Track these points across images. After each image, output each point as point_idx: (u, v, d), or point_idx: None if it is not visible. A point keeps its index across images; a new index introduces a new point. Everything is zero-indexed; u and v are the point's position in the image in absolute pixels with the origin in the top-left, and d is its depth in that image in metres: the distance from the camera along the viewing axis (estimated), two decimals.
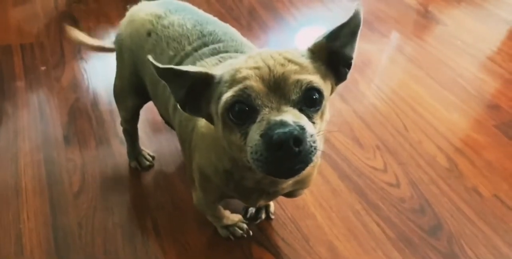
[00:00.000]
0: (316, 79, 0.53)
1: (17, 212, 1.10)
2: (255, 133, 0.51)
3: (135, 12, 0.92)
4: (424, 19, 1.94)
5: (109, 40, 1.10)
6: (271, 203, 1.11)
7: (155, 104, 0.98)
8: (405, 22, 1.91)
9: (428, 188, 1.20)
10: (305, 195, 1.14)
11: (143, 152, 1.23)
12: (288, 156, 0.49)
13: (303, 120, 0.51)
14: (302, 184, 0.80)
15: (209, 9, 1.80)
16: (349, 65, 0.60)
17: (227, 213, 1.01)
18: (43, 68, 1.58)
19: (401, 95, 1.50)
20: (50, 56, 1.64)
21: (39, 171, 1.20)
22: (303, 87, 0.52)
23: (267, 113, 0.51)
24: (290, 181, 0.72)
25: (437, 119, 1.42)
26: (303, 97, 0.52)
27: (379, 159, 1.28)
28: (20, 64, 1.59)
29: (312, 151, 0.50)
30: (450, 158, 1.29)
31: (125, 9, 0.97)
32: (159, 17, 0.86)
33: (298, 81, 0.52)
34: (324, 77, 0.56)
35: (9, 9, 1.91)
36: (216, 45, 0.80)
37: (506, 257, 1.04)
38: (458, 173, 1.24)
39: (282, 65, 0.52)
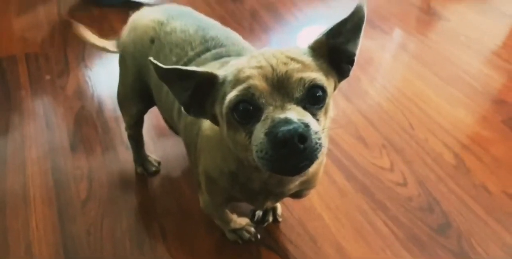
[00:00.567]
0: (319, 77, 0.54)
1: (26, 220, 1.11)
2: (259, 132, 0.51)
3: (137, 18, 0.93)
4: (426, 15, 1.93)
5: (112, 43, 1.10)
6: (278, 206, 1.11)
7: (159, 109, 0.98)
8: (407, 18, 1.90)
9: (436, 186, 1.19)
10: (312, 196, 1.14)
11: (149, 158, 1.23)
12: (293, 153, 0.49)
13: (308, 118, 0.52)
14: (308, 184, 0.80)
15: (211, 12, 1.81)
16: (352, 62, 0.60)
17: (234, 216, 1.01)
18: (48, 77, 1.59)
19: (405, 93, 1.49)
20: (55, 65, 1.65)
21: (46, 179, 1.21)
22: (307, 85, 0.52)
23: (271, 111, 0.51)
24: (297, 182, 0.72)
25: (443, 116, 1.41)
26: (307, 95, 0.53)
27: (385, 158, 1.27)
28: (25, 74, 1.60)
29: (317, 148, 0.51)
30: (457, 155, 1.28)
31: (128, 16, 0.98)
32: (161, 23, 0.87)
33: (301, 79, 0.52)
34: (327, 74, 0.56)
35: (13, 19, 1.93)
36: (218, 50, 0.80)
37: None
38: (465, 170, 1.23)
39: (285, 63, 0.53)
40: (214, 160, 0.73)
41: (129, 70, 0.95)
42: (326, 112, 0.56)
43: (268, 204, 0.82)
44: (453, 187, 1.18)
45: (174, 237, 1.07)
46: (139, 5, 1.01)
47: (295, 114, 0.50)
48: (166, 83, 0.58)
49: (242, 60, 0.57)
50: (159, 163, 1.24)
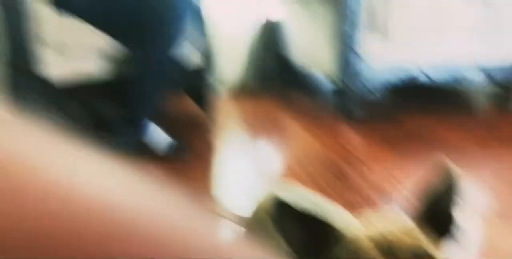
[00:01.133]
0: (430, 246, 0.52)
1: None
2: None
3: (262, 205, 0.84)
4: None
5: None
6: None
7: None
8: None
9: None
10: None
11: None
12: None
13: None
14: None
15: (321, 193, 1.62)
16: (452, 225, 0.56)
17: None
18: None
19: None
20: None
21: None
22: (419, 255, 0.51)
23: None
24: None
25: None
26: None
27: None
28: None
29: None
30: None
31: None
32: None
33: (414, 249, 0.51)
34: (435, 240, 0.54)
35: None
36: None
37: None
38: None
39: (397, 234, 0.52)
40: None
41: None
42: None
43: None
44: None
45: None
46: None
47: None
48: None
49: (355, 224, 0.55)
50: None
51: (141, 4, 1.37)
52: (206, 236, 0.18)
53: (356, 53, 1.78)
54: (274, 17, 2.55)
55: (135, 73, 1.39)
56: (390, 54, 1.83)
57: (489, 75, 1.89)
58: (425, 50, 1.85)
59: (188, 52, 1.71)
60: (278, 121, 1.97)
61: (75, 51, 1.31)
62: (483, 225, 1.01)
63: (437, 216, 0.55)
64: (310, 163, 1.47)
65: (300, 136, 1.75)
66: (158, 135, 1.46)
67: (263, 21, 2.53)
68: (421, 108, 2.01)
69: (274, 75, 2.55)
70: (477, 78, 1.91)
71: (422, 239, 0.53)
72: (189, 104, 2.11)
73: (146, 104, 1.42)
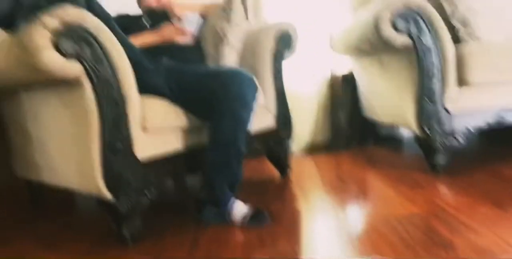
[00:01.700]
0: None
1: None
2: None
3: None
4: None
5: None
6: None
7: None
8: None
9: None
10: None
11: None
12: None
13: None
14: None
15: None
16: None
17: None
18: None
19: None
20: None
21: None
22: None
23: None
24: None
25: None
26: None
27: None
28: None
29: None
30: None
31: None
32: None
33: None
34: None
35: None
36: None
37: None
38: None
39: None
40: None
41: None
42: None
43: None
44: None
45: None
46: None
47: None
48: None
49: None
50: None
51: (214, 79, 1.43)
52: None
53: (435, 103, 1.70)
54: (342, 71, 2.56)
55: (211, 144, 1.42)
56: (471, 100, 1.73)
57: None
58: (507, 90, 1.75)
59: (262, 114, 1.74)
60: (360, 178, 1.88)
61: (160, 132, 1.37)
62: None
63: None
64: (401, 224, 1.35)
65: (385, 194, 1.64)
66: (241, 208, 1.45)
67: (332, 75, 2.54)
68: None
69: (351, 132, 2.51)
70: None
71: None
72: (268, 167, 2.11)
73: (225, 173, 1.42)
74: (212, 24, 1.89)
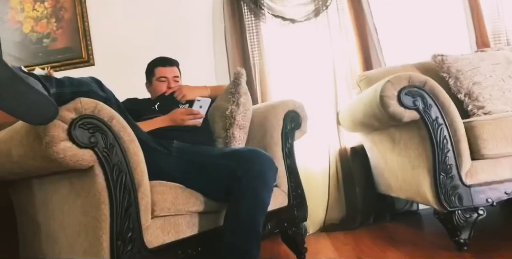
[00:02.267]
0: None
1: None
2: None
3: None
4: None
5: None
6: None
7: None
8: None
9: None
10: None
11: None
12: None
13: None
14: None
15: None
16: None
17: None
18: None
19: None
20: None
21: None
22: None
23: None
24: None
25: None
26: None
27: None
28: None
29: None
30: None
31: None
32: None
33: None
34: None
35: None
36: None
37: None
38: None
39: None
40: None
41: None
42: None
43: None
44: None
45: None
46: None
47: None
48: None
49: None
50: None
51: (231, 159, 1.43)
52: None
53: (452, 177, 1.67)
54: (351, 143, 2.56)
55: (230, 227, 1.37)
56: (488, 172, 1.70)
57: None
58: None
59: (275, 194, 1.70)
60: (379, 257, 1.78)
61: (166, 214, 1.33)
62: None
63: None
64: None
65: None
66: None
67: (341, 149, 2.54)
68: None
69: (366, 209, 2.44)
70: None
71: None
72: (283, 249, 2.01)
73: (241, 255, 1.35)
74: (220, 106, 1.93)
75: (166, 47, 2.61)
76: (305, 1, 2.66)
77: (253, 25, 2.67)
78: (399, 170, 1.99)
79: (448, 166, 1.67)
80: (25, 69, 1.89)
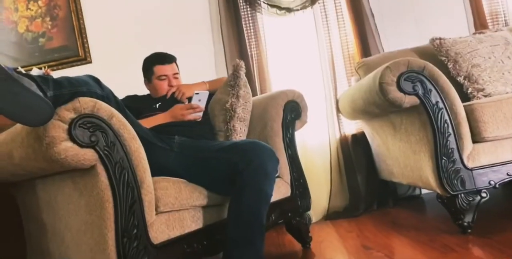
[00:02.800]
0: None
1: None
2: None
3: None
4: None
5: None
6: None
7: None
8: None
9: None
10: None
11: None
12: None
13: None
14: None
15: None
16: None
17: None
18: None
19: None
20: None
21: None
22: None
23: None
24: None
25: None
26: None
27: None
28: None
29: None
30: None
31: None
32: None
33: None
34: None
35: None
36: None
37: None
38: None
39: None
40: None
41: None
42: None
43: None
44: None
45: None
46: None
47: None
48: None
49: None
50: None
51: (233, 152, 1.43)
52: None
53: (454, 161, 1.67)
54: (351, 131, 2.56)
55: (233, 219, 1.38)
56: (490, 155, 1.70)
57: None
58: None
59: (277, 184, 1.71)
60: (386, 245, 1.79)
61: (171, 209, 1.33)
62: None
63: None
64: None
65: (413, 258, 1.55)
66: None
67: (342, 136, 2.54)
68: None
69: (369, 195, 2.45)
70: None
71: None
72: (288, 239, 2.03)
73: (249, 251, 1.36)
74: (219, 99, 1.92)
75: (164, 41, 2.60)
76: None
77: (249, 15, 2.65)
78: (401, 156, 2.00)
79: (450, 150, 1.67)
80: (22, 70, 1.89)
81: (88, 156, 1.13)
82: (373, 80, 1.79)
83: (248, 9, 2.66)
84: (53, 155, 1.08)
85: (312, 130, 2.51)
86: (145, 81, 2.02)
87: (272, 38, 2.65)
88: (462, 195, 1.68)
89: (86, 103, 1.14)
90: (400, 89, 1.68)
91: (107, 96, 1.30)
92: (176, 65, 2.01)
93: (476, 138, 1.69)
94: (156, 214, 1.28)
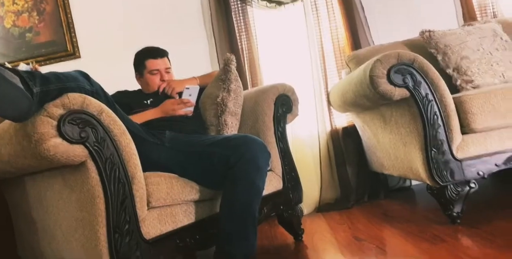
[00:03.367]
0: None
1: None
2: None
3: None
4: None
5: None
6: None
7: None
8: None
9: None
10: None
11: None
12: None
13: None
14: None
15: None
16: None
17: None
18: None
19: None
20: None
21: None
22: None
23: None
24: None
25: None
26: None
27: None
28: None
29: None
30: None
31: None
32: None
33: None
34: None
35: None
36: None
37: None
38: None
39: None
40: None
41: None
42: None
43: None
44: None
45: None
46: None
47: None
48: None
49: None
50: None
51: (224, 146, 1.43)
52: None
53: (444, 152, 1.69)
54: (342, 123, 2.57)
55: (226, 213, 1.38)
56: (479, 146, 1.72)
57: None
58: None
59: (269, 177, 1.72)
60: (377, 236, 1.81)
61: (162, 204, 1.33)
62: None
63: None
64: None
65: (407, 252, 1.57)
66: None
67: (333, 129, 2.55)
68: None
69: (360, 187, 2.47)
70: None
71: None
72: (280, 231, 2.04)
73: (241, 244, 1.37)
74: (210, 94, 1.92)
75: (155, 35, 2.58)
76: None
77: (239, 9, 2.64)
78: (391, 148, 2.01)
79: (439, 142, 1.69)
80: (9, 65, 1.87)
81: (78, 152, 1.12)
82: (363, 73, 1.79)
83: (238, 2, 2.64)
84: (42, 152, 1.07)
85: (303, 123, 2.52)
86: (136, 75, 2.01)
87: (262, 31, 2.64)
88: (452, 186, 1.70)
89: (75, 99, 1.13)
90: (390, 81, 1.69)
91: (96, 91, 1.28)
92: (168, 59, 2.00)
93: (465, 129, 1.71)
94: (148, 209, 1.28)
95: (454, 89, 2.01)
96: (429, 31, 2.23)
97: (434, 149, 1.69)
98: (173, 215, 1.35)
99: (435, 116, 1.69)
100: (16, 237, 1.62)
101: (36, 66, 2.01)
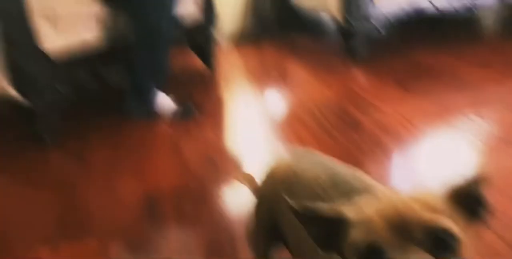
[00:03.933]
0: (451, 223, 0.49)
1: None
2: None
3: (273, 170, 0.88)
4: None
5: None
6: None
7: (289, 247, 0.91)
8: None
9: None
10: None
11: None
12: None
13: None
14: None
15: (334, 143, 1.47)
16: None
17: None
18: None
19: None
20: None
21: None
22: (433, 229, 0.48)
23: (392, 253, 0.47)
24: None
25: None
26: (433, 239, 0.48)
27: None
28: None
29: None
30: None
31: None
32: (296, 176, 0.82)
33: (425, 221, 0.48)
34: (460, 219, 0.50)
35: None
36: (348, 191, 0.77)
37: None
38: None
39: (413, 208, 0.49)
40: None
41: (263, 214, 0.91)
42: None
43: None
44: None
45: None
46: None
47: (418, 256, 0.46)
48: (302, 223, 0.55)
49: (368, 203, 0.53)
50: None
51: None
52: None
53: None
54: None
55: (134, 38, 1.34)
56: None
57: None
58: None
59: (187, 6, 1.62)
60: (282, 66, 1.92)
61: (69, 21, 1.24)
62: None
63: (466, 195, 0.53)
64: (318, 109, 1.44)
65: (306, 82, 1.71)
66: (166, 101, 1.43)
67: None
68: (429, 42, 1.92)
69: (275, 20, 2.45)
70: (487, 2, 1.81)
71: (441, 212, 0.51)
72: (194, 59, 2.04)
73: (150, 68, 1.38)
74: None
75: None
76: None
77: None
78: None
79: None
80: None
81: None
82: None
83: None
84: None
85: None
86: None
87: None
88: (357, 21, 1.72)
89: None
90: None
91: None
92: None
93: None
94: (48, 21, 1.18)
95: None
96: None
97: None
98: (76, 29, 1.26)
99: None
100: None
101: None
